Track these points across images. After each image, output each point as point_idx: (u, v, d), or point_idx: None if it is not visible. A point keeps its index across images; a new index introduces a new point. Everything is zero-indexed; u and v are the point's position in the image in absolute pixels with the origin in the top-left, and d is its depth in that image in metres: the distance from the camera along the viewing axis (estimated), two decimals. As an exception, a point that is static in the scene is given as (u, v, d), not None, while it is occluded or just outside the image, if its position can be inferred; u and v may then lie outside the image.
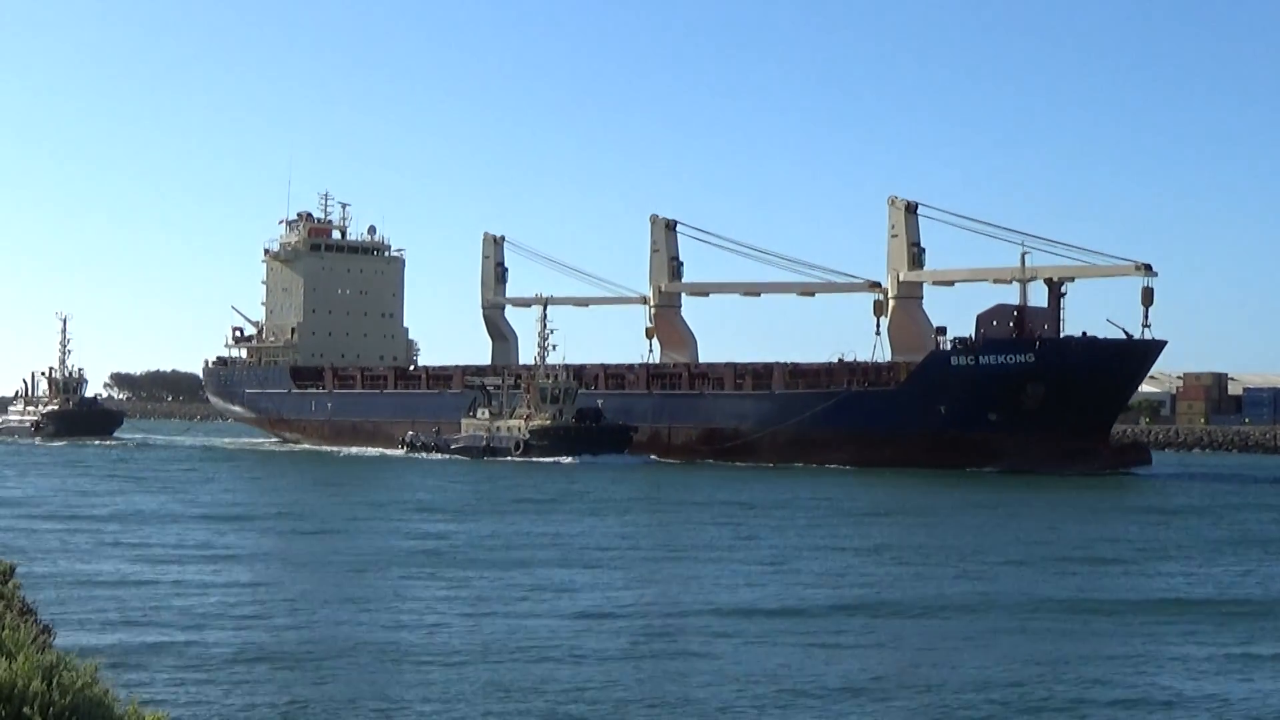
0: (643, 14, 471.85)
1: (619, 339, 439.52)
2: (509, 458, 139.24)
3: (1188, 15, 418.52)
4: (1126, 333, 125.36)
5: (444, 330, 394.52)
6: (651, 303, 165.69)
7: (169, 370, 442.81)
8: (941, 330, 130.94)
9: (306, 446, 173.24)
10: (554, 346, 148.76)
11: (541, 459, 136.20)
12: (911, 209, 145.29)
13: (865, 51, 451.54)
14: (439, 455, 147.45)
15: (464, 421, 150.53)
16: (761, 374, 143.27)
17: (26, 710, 9.37)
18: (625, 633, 39.99)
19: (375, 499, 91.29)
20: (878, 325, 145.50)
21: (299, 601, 45.76)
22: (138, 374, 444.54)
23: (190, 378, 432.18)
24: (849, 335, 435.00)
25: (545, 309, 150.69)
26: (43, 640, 12.70)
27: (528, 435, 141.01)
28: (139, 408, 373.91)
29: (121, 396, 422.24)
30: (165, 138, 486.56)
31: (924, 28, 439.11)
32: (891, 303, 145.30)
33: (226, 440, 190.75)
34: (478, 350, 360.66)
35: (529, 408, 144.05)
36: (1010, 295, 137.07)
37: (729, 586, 50.18)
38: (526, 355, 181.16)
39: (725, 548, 63.25)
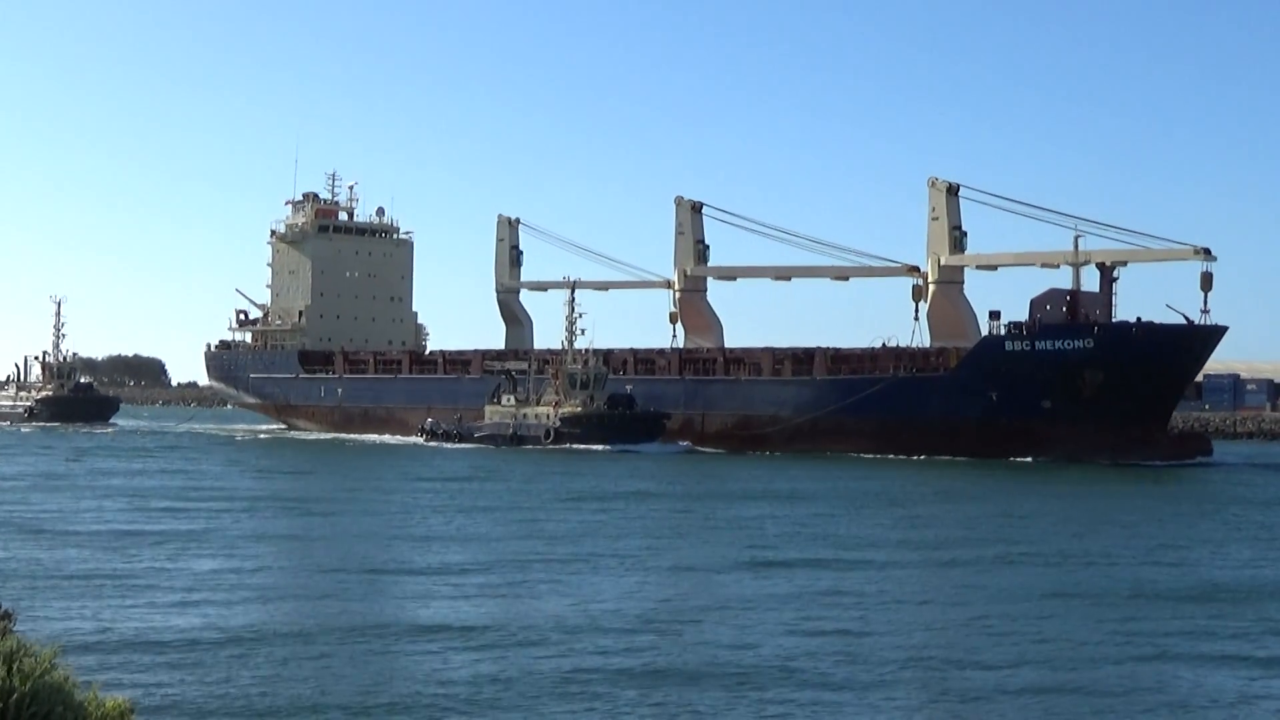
0: None
1: (639, 324, 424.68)
2: (538, 446, 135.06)
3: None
4: (1187, 318, 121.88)
5: (453, 314, 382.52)
6: (676, 287, 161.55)
7: (130, 354, 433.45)
8: (996, 314, 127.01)
9: (317, 435, 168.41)
10: (582, 331, 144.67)
11: (574, 446, 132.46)
12: (953, 190, 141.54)
13: (903, 25, 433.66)
14: (462, 444, 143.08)
15: (488, 408, 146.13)
16: (802, 359, 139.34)
17: None
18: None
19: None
20: (916, 311, 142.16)
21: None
22: (99, 359, 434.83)
23: (154, 362, 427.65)
24: (884, 321, 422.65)
25: (573, 292, 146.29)
26: (2, 626, 12.29)
27: (558, 422, 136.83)
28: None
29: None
30: (165, 116, 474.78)
31: None
32: (931, 288, 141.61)
33: (240, 427, 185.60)
34: (488, 335, 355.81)
35: (557, 394, 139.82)
36: (1057, 280, 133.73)
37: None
38: (542, 339, 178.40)
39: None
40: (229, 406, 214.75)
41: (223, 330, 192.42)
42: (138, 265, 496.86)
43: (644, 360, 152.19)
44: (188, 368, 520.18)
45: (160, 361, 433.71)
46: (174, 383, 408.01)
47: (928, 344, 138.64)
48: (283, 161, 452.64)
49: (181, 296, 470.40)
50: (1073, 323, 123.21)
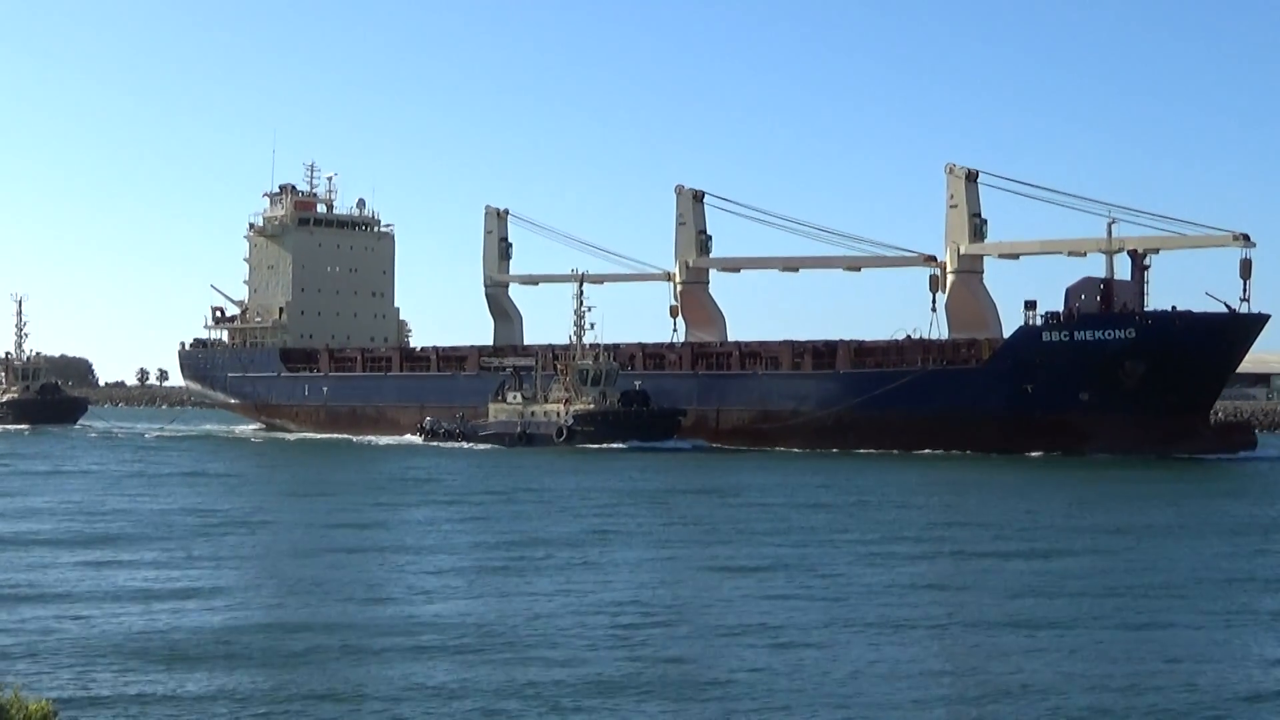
0: None
1: (637, 319, 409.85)
2: (551, 445, 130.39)
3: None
4: (1228, 306, 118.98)
5: (435, 310, 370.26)
6: (677, 279, 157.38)
7: (57, 354, 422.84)
8: (1032, 304, 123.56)
9: (308, 435, 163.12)
10: (591, 325, 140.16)
11: (588, 445, 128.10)
12: (972, 177, 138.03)
13: (916, 2, 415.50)
14: (466, 443, 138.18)
15: (492, 406, 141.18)
16: (823, 352, 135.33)
17: None
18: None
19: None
20: (933, 302, 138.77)
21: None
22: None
23: (80, 362, 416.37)
24: (898, 313, 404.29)
25: (581, 285, 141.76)
26: None
27: (571, 420, 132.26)
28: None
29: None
30: (135, 105, 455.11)
31: None
32: (950, 277, 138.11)
33: (220, 428, 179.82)
34: (473, 331, 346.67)
35: (567, 390, 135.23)
36: (1081, 269, 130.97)
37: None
38: (532, 335, 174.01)
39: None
40: (203, 406, 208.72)
41: (198, 329, 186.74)
42: (109, 262, 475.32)
43: (653, 355, 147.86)
44: (117, 368, 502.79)
45: (87, 361, 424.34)
46: (101, 383, 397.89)
47: (945, 336, 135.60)
48: (259, 152, 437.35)
49: (160, 293, 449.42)
50: (1113, 312, 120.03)
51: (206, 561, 49.20)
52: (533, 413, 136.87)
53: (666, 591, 43.36)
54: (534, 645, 33.85)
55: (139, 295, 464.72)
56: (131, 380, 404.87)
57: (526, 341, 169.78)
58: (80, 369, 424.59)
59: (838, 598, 41.64)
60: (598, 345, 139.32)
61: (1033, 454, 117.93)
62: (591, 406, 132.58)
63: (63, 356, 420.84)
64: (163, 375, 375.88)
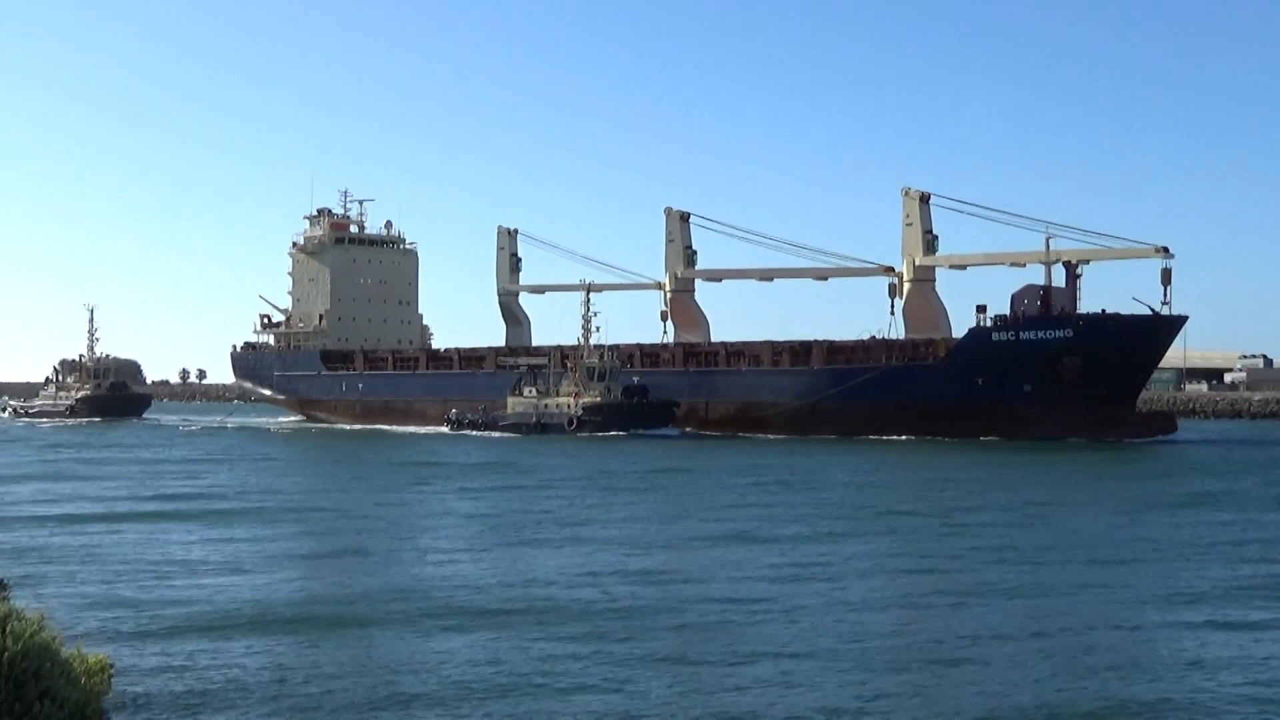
0: (654, 9, 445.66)
1: (632, 322, 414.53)
2: (563, 433, 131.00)
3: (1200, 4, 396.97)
4: (1152, 309, 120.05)
5: (454, 315, 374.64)
6: (667, 288, 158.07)
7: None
8: (982, 308, 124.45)
9: (345, 426, 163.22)
10: (597, 328, 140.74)
11: (595, 434, 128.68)
12: (925, 199, 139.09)
13: (875, 45, 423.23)
14: (488, 432, 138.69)
15: (510, 399, 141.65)
16: (799, 351, 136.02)
17: None
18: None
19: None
20: (892, 307, 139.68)
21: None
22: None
23: (130, 363, 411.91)
24: (861, 317, 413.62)
25: (588, 294, 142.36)
26: None
27: (580, 411, 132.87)
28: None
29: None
30: (194, 139, 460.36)
31: (935, 17, 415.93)
32: (907, 285, 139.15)
33: (283, 420, 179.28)
34: (487, 333, 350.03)
35: (576, 385, 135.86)
36: (1021, 278, 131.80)
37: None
38: (539, 337, 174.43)
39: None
40: (251, 401, 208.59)
41: (246, 333, 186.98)
42: (167, 276, 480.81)
43: (649, 354, 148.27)
44: (160, 368, 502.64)
45: (137, 362, 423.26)
46: (148, 381, 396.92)
47: (903, 336, 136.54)
48: (300, 181, 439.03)
49: (211, 304, 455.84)
50: (1052, 315, 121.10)
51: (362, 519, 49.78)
52: (546, 405, 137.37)
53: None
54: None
55: (191, 304, 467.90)
56: (174, 379, 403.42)
57: (534, 343, 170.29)
58: (130, 369, 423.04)
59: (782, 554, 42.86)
60: (602, 346, 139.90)
61: (984, 438, 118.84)
62: (598, 399, 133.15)
63: (113, 358, 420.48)
64: (201, 374, 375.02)
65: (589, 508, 58.94)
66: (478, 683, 24.87)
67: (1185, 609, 33.18)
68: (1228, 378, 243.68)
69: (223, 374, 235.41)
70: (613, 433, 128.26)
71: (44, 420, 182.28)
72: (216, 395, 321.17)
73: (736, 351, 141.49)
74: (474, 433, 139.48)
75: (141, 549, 44.01)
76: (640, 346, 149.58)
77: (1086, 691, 24.40)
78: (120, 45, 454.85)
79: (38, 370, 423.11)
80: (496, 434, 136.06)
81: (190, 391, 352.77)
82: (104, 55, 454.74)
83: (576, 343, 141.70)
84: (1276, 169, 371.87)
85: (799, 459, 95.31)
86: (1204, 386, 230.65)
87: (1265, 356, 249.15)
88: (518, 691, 24.24)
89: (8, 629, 9.44)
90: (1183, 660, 27.12)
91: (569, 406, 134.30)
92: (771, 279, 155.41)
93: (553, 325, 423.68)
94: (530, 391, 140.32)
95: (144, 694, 22.68)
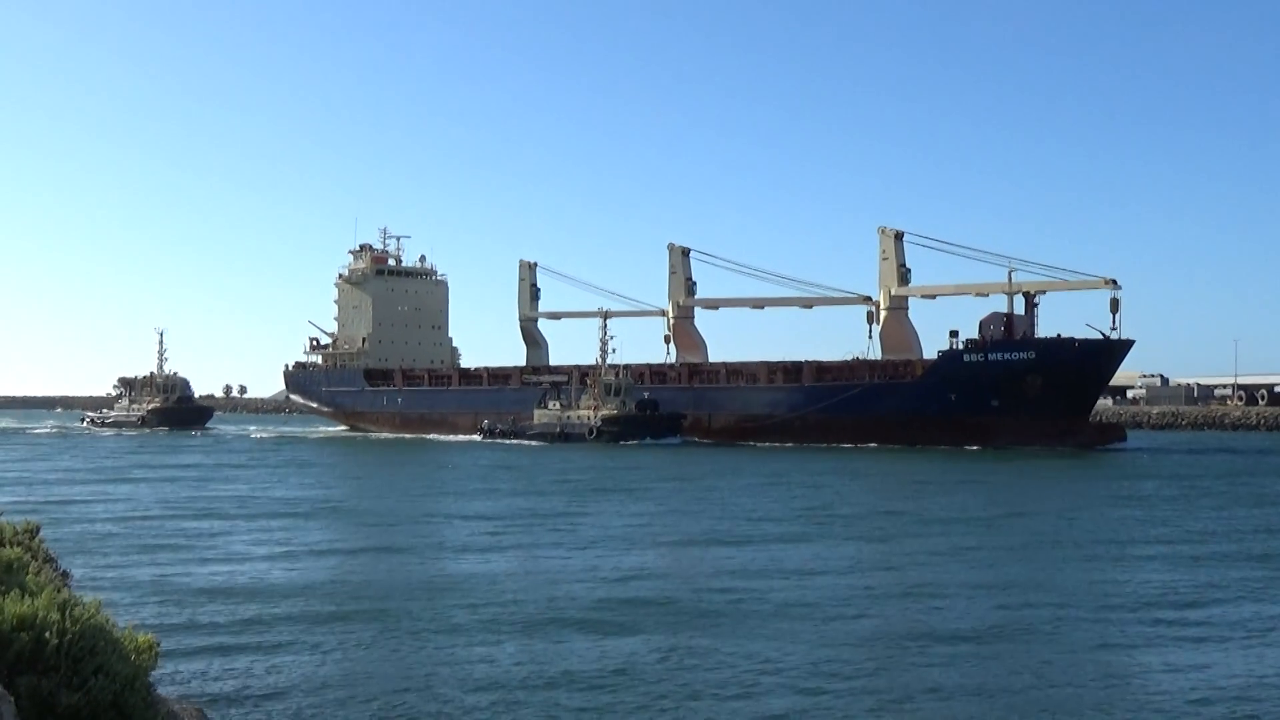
0: (659, 77, 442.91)
1: (637, 345, 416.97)
2: (584, 441, 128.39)
3: (1149, 51, 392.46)
4: (1103, 334, 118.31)
5: (480, 338, 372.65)
6: (670, 315, 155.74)
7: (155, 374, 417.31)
8: (955, 333, 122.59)
9: (386, 435, 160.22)
10: (614, 350, 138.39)
11: (612, 442, 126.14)
12: (899, 236, 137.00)
13: (858, 101, 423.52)
14: (517, 440, 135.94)
15: (537, 412, 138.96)
16: (791, 370, 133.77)
17: (46, 635, 9.02)
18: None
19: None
20: (870, 332, 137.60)
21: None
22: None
23: (179, 380, 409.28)
24: (842, 341, 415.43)
25: (605, 320, 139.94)
26: (59, 582, 11.54)
27: (599, 422, 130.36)
28: None
29: None
30: (250, 183, 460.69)
31: (909, 79, 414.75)
32: (883, 313, 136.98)
33: (316, 430, 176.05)
34: (509, 354, 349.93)
35: (594, 399, 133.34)
36: (985, 307, 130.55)
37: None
38: (556, 358, 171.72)
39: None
40: (300, 413, 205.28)
41: (297, 354, 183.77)
42: (224, 303, 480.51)
43: (657, 373, 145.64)
44: (206, 384, 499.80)
45: (185, 379, 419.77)
46: (195, 395, 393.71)
47: (880, 358, 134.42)
48: (344, 220, 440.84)
49: (263, 329, 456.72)
50: (1015, 339, 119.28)
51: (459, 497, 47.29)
52: (569, 417, 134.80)
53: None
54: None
55: (239, 328, 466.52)
56: (218, 393, 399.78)
57: (552, 362, 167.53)
58: (180, 384, 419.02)
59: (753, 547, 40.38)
60: (616, 365, 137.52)
61: (962, 447, 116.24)
62: (615, 412, 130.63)
63: (165, 375, 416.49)
64: (243, 389, 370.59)
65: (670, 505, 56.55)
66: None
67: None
68: (1130, 393, 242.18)
69: (261, 389, 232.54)
70: (627, 441, 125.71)
71: (112, 431, 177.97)
72: (257, 408, 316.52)
73: (736, 370, 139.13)
74: (505, 441, 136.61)
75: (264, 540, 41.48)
76: (649, 366, 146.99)
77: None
78: (195, 113, 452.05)
79: (97, 385, 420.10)
80: (525, 442, 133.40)
81: (233, 404, 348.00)
82: (183, 123, 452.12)
83: (595, 362, 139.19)
84: (1216, 212, 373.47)
85: (795, 463, 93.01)
86: (1110, 401, 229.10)
87: (1162, 375, 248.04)
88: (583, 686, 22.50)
89: (68, 612, 9.57)
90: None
91: (589, 418, 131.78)
92: (762, 306, 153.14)
93: (569, 347, 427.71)
94: (554, 405, 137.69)
95: (187, 670, 22.79)
